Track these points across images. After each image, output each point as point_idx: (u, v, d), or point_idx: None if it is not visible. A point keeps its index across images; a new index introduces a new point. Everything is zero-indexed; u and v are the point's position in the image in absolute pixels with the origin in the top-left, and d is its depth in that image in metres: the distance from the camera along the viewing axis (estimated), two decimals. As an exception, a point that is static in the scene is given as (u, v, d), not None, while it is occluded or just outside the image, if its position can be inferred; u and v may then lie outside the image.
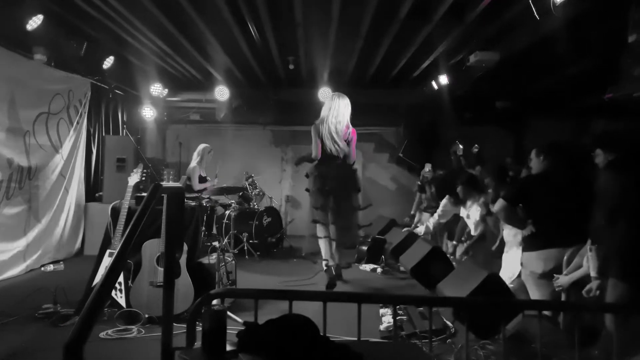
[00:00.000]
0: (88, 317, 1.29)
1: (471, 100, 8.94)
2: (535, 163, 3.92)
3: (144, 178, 4.61)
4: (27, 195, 6.05)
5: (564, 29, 4.94)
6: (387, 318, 3.99)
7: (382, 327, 3.89)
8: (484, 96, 8.89)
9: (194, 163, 6.96)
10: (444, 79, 7.74)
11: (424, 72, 8.02)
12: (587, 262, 3.14)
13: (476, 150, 6.88)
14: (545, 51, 6.16)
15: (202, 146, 7.13)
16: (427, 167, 7.60)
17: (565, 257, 3.49)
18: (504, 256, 4.60)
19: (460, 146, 6.83)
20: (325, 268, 5.33)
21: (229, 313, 3.41)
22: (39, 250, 6.28)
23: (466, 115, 9.30)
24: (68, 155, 6.98)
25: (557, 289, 3.45)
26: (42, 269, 6.15)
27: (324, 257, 5.38)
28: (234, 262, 4.93)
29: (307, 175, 5.62)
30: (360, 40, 6.34)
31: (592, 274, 3.02)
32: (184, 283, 4.02)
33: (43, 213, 6.41)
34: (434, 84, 8.14)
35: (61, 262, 6.45)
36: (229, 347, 1.57)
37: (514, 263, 4.30)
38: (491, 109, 9.21)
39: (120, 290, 4.06)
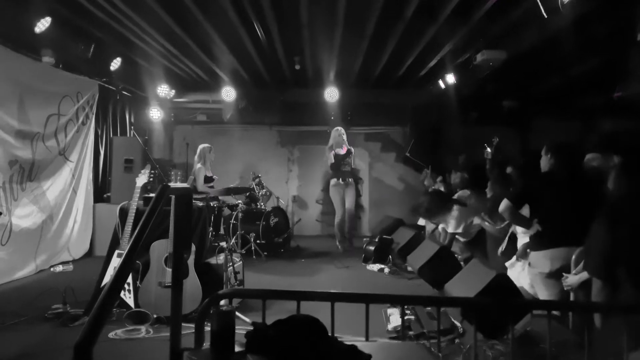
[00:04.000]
0: (97, 317, 1.30)
1: (478, 99, 8.91)
2: (544, 161, 3.90)
3: (151, 179, 4.63)
4: (32, 196, 6.07)
5: (572, 27, 4.91)
6: (395, 318, 3.98)
7: (389, 327, 3.87)
8: (491, 95, 8.85)
9: (198, 164, 7.00)
10: (450, 78, 7.71)
11: (431, 72, 8.00)
12: None
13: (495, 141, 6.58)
14: (553, 50, 6.12)
15: (202, 146, 7.16)
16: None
17: (573, 257, 3.47)
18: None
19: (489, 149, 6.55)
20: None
21: (237, 313, 3.42)
22: (49, 251, 6.33)
23: (473, 114, 9.27)
24: (76, 157, 7.03)
25: (566, 289, 3.43)
26: (52, 269, 6.21)
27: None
28: (241, 262, 4.94)
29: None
30: (366, 40, 6.33)
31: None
32: (192, 283, 4.04)
33: (54, 214, 6.47)
34: (440, 83, 8.12)
35: (70, 263, 6.50)
36: (237, 348, 1.57)
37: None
38: (498, 109, 9.17)
39: (129, 291, 4.08)
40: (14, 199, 5.69)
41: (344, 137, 7.80)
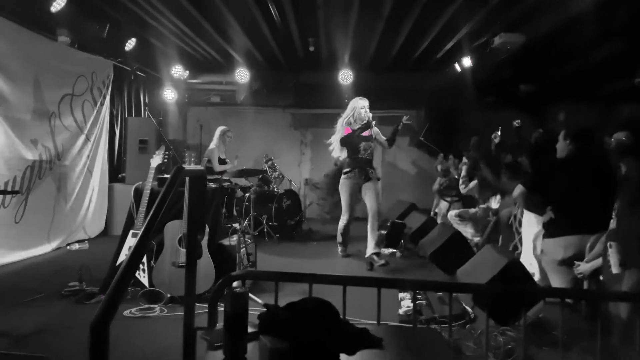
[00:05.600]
0: (113, 297, 1.31)
1: (494, 83, 8.77)
2: (561, 146, 3.83)
3: (165, 160, 4.67)
4: (57, 176, 6.26)
5: (592, 10, 4.79)
6: (406, 302, 3.99)
7: (401, 312, 3.88)
8: (508, 80, 8.71)
9: (213, 145, 7.01)
10: (467, 62, 7.59)
11: (447, 55, 7.89)
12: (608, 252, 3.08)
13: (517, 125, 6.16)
14: (573, 34, 5.99)
15: (220, 128, 7.16)
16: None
17: (588, 244, 3.44)
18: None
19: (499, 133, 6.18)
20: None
21: (250, 294, 3.45)
22: (65, 230, 6.44)
23: (489, 99, 9.14)
24: (92, 137, 7.10)
25: (578, 276, 3.41)
26: (68, 247, 6.31)
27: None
28: (253, 243, 4.98)
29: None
30: (382, 22, 6.24)
31: (614, 270, 2.95)
32: (206, 264, 4.08)
33: (69, 193, 6.57)
34: (457, 66, 8.00)
35: (86, 241, 6.61)
36: (250, 329, 1.59)
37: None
38: (514, 93, 9.02)
39: (143, 270, 4.14)
40: (39, 177, 5.86)
41: (367, 111, 5.66)
